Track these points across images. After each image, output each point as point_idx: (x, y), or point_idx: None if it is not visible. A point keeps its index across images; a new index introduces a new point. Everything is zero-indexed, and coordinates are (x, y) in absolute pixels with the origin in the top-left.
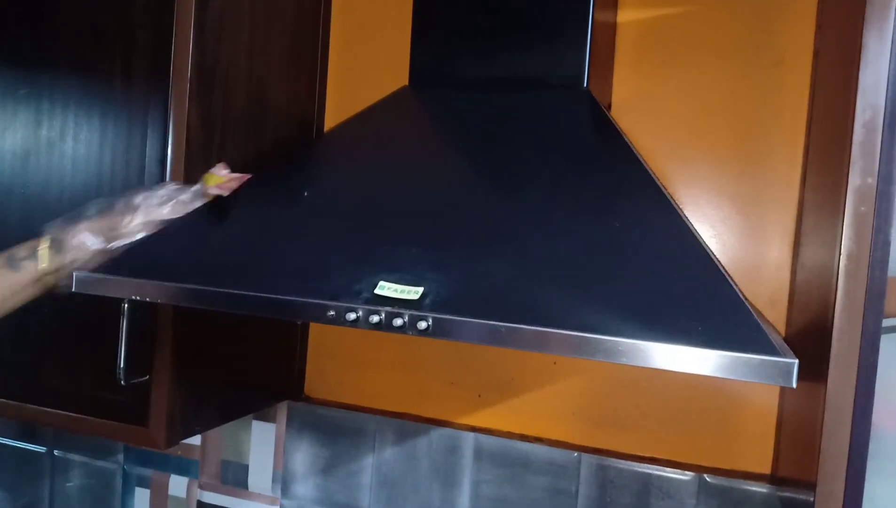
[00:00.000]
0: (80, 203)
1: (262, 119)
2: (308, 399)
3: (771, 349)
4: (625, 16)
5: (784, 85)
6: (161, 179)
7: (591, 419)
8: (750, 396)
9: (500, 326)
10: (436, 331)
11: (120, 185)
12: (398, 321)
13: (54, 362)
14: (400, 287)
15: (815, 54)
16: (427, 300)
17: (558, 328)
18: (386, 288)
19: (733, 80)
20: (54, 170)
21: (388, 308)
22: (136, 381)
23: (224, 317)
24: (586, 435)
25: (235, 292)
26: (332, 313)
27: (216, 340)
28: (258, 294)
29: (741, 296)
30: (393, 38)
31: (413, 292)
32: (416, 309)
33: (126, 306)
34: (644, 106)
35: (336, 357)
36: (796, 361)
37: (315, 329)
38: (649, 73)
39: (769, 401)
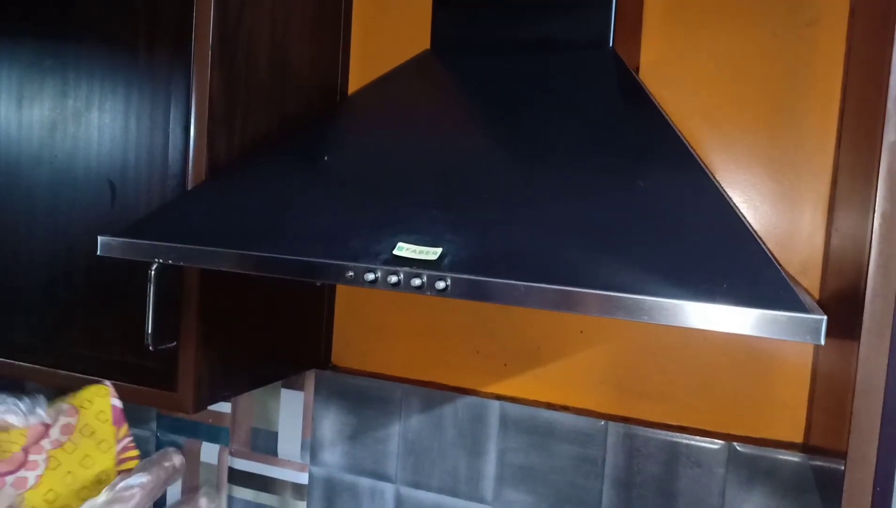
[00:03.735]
0: (108, 173)
1: (285, 85)
2: (335, 368)
3: (798, 306)
4: None
5: (819, 45)
6: (185, 147)
7: (618, 387)
8: (782, 362)
9: (519, 285)
10: (454, 291)
11: (146, 153)
12: (416, 281)
13: (82, 327)
14: (418, 248)
15: (851, 13)
16: (445, 261)
17: (578, 286)
18: (404, 249)
19: (766, 40)
20: (81, 140)
21: (407, 269)
22: (164, 347)
23: (250, 283)
24: (613, 404)
25: (255, 253)
26: (350, 273)
27: (243, 306)
28: (277, 256)
29: (769, 253)
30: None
31: (431, 253)
32: (435, 269)
33: (153, 271)
34: (673, 68)
35: (362, 326)
36: (824, 317)
37: (341, 297)
38: (679, 34)
39: (802, 367)
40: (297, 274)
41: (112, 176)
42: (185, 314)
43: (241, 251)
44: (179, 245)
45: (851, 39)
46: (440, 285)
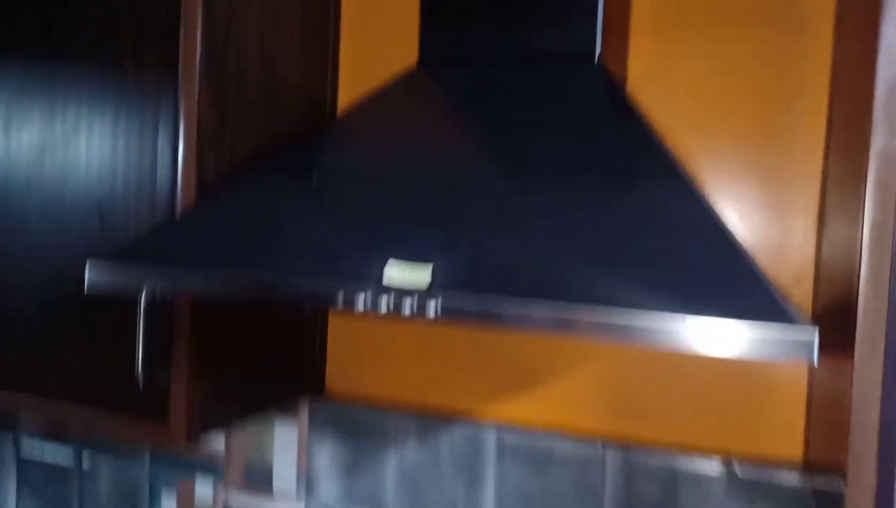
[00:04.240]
0: (97, 197)
1: (275, 101)
2: (329, 396)
3: (789, 329)
4: None
5: (806, 52)
6: (174, 168)
7: (615, 407)
8: (778, 377)
9: (511, 312)
10: (446, 315)
11: (135, 175)
12: (407, 309)
13: (73, 355)
14: (409, 272)
15: (837, 19)
16: (437, 284)
17: (571, 309)
18: (395, 275)
19: (753, 48)
20: (70, 163)
21: (398, 296)
22: (155, 379)
23: (241, 310)
24: (610, 423)
25: (241, 277)
26: (340, 301)
27: (234, 333)
28: (264, 283)
29: (758, 270)
30: (405, 13)
31: (422, 279)
32: (426, 296)
33: (144, 301)
34: (661, 79)
35: (356, 349)
36: (815, 339)
37: (334, 321)
38: (666, 45)
39: (798, 381)
40: (288, 300)
41: (101, 199)
42: (176, 343)
43: (225, 277)
44: (165, 273)
45: (838, 46)
46: (431, 309)
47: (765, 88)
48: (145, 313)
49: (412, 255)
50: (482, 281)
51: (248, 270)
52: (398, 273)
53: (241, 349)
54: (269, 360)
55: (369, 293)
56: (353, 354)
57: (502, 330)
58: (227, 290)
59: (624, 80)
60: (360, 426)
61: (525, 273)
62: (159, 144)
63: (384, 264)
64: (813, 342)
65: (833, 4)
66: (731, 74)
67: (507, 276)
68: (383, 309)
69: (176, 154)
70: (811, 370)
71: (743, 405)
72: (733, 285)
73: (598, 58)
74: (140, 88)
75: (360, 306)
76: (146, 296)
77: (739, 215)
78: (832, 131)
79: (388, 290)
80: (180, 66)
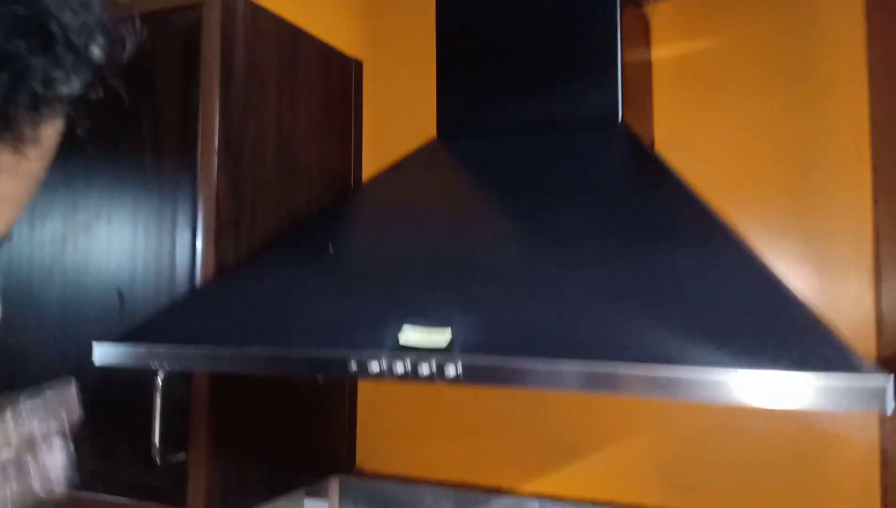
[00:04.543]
0: (117, 283)
1: (294, 182)
2: (360, 473)
3: (856, 369)
4: (661, 52)
5: (840, 106)
6: (192, 252)
7: (666, 479)
8: (844, 442)
9: (538, 366)
10: (467, 377)
11: (154, 260)
12: (425, 370)
13: (91, 444)
14: (426, 334)
15: (871, 70)
16: (456, 346)
17: (603, 359)
18: (412, 336)
19: (784, 106)
20: (91, 252)
21: (415, 357)
22: (172, 460)
23: (264, 384)
24: (660, 496)
25: (251, 351)
26: (354, 365)
27: (257, 410)
28: (275, 352)
29: (815, 314)
30: (425, 90)
31: (441, 338)
32: (445, 355)
33: (160, 379)
34: (690, 142)
35: (387, 425)
36: (890, 377)
37: (363, 395)
38: (693, 105)
39: (868, 447)
40: (298, 370)
41: (121, 285)
42: (194, 422)
43: (233, 351)
44: (174, 350)
45: (874, 97)
46: (450, 372)
47: (800, 144)
48: (161, 392)
49: (430, 319)
50: (504, 339)
51: (257, 344)
52: (415, 337)
53: (264, 427)
54: (294, 437)
55: (384, 358)
56: (383, 429)
57: (538, 397)
58: (235, 366)
59: (651, 141)
60: (394, 504)
61: (552, 333)
62: (178, 230)
63: (398, 330)
64: (886, 389)
65: (863, 58)
66: (764, 130)
67: (533, 336)
68: (399, 371)
69: (195, 239)
70: (882, 431)
71: (806, 476)
72: (796, 335)
73: (621, 121)
74: (158, 175)
75: (374, 371)
76: (159, 374)
77: (787, 272)
78: (878, 183)
79: (403, 360)
80: (198, 153)
